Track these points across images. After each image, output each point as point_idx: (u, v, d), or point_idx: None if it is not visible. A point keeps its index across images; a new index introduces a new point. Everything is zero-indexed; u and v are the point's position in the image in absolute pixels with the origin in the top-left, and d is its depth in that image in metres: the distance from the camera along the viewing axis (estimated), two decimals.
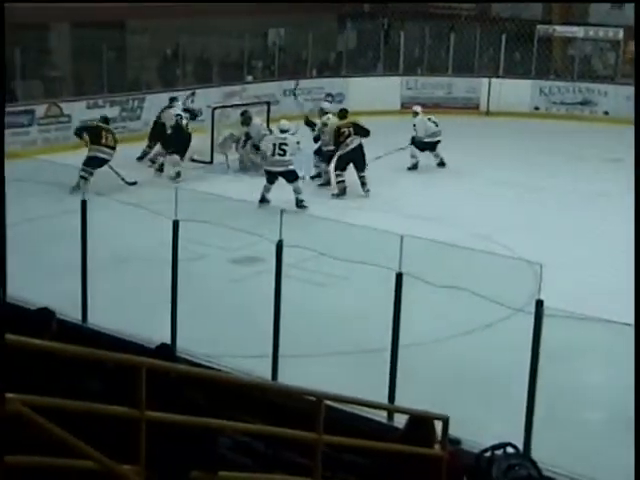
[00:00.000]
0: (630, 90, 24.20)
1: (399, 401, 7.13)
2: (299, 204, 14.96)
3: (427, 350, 9.90)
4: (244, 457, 5.57)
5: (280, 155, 15.26)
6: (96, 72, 20.29)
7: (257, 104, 19.62)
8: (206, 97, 20.53)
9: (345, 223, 10.53)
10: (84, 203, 8.97)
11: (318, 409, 4.96)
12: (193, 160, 17.83)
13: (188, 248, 9.13)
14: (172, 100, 18.20)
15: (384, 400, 7.16)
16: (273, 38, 25.64)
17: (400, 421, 6.12)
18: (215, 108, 18.80)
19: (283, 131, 15.66)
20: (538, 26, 26.17)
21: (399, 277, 7.21)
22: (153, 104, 20.10)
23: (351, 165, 16.06)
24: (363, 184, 15.99)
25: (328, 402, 5.18)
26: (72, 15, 20.43)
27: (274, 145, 15.38)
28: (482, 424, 7.68)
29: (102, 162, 15.50)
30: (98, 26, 21.00)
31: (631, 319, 6.03)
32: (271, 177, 15.29)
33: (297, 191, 15.18)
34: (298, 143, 15.67)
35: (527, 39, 25.86)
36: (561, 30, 26.43)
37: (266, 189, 15.17)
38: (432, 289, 8.09)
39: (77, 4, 19.86)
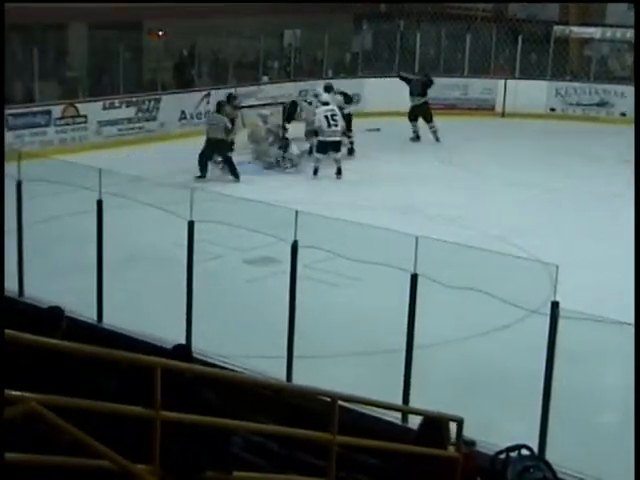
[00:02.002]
0: None
1: (413, 402, 7.14)
2: (339, 172, 17.08)
3: (441, 351, 9.89)
4: (258, 457, 5.58)
5: (334, 125, 17.12)
6: (113, 73, 20.38)
7: (273, 105, 19.64)
8: (221, 98, 20.54)
9: (360, 224, 10.51)
10: (100, 203, 9.01)
11: (332, 410, 4.97)
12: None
13: (203, 249, 9.15)
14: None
15: (398, 401, 7.17)
16: (289, 39, 25.64)
17: (414, 422, 6.12)
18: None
19: (325, 103, 17.47)
20: (555, 27, 26.07)
21: (414, 278, 7.21)
22: (169, 105, 20.20)
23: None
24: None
25: (342, 403, 5.19)
26: (89, 15, 20.49)
27: (326, 117, 17.05)
28: (497, 425, 7.69)
29: None
30: (115, 27, 21.09)
31: None
32: (325, 147, 17.10)
33: (339, 162, 17.14)
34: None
35: (543, 40, 25.77)
36: (578, 31, 26.32)
37: (318, 161, 17.14)
38: (447, 290, 8.08)
39: (94, 4, 19.90)
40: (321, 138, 17.18)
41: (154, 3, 21.04)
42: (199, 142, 17.74)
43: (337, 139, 17.28)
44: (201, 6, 21.51)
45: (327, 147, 17.12)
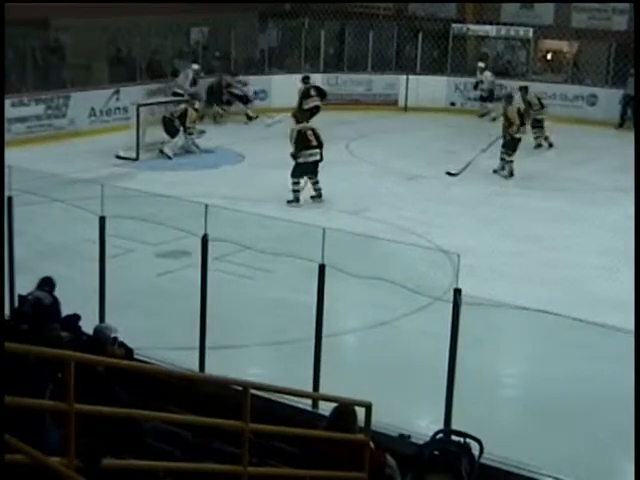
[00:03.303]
0: (540, 86, 24.85)
1: (323, 389, 7.28)
2: None
3: (350, 339, 10.11)
4: (172, 447, 5.65)
5: None
6: (20, 70, 20.09)
7: (182, 101, 19.76)
8: (131, 95, 20.53)
9: (269, 217, 10.65)
10: (10, 200, 8.95)
11: (244, 398, 5.05)
12: (119, 157, 18.00)
13: (115, 244, 9.18)
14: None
15: (309, 389, 7.31)
16: (196, 37, 25.67)
17: (325, 408, 6.26)
18: (140, 105, 18.90)
19: None
20: (453, 25, 26.60)
21: (322, 269, 7.36)
22: (78, 102, 20.04)
23: None
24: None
25: (254, 391, 5.28)
26: None
27: None
28: (405, 409, 7.89)
29: None
30: (21, 24, 20.73)
31: (537, 303, 6.26)
32: None
33: None
34: None
35: (442, 37, 26.29)
36: (474, 29, 26.90)
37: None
38: (355, 280, 8.26)
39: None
40: None
41: (60, 3, 20.76)
42: (109, 138, 17.74)
43: None
44: (108, 5, 21.35)
45: None
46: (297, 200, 15.24)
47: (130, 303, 10.02)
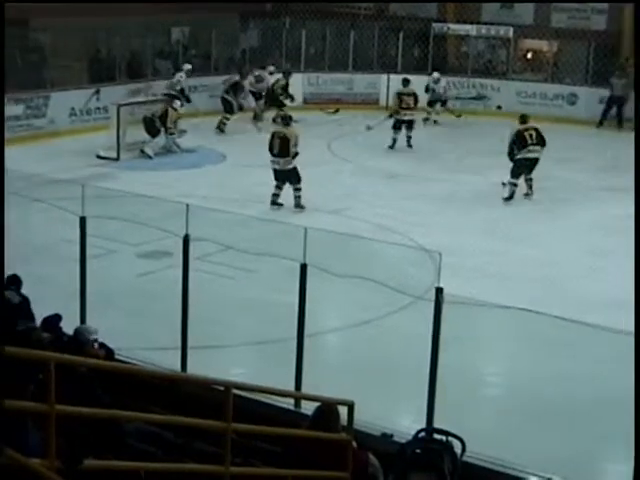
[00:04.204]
0: (521, 85, 24.96)
1: (306, 389, 7.28)
2: None
3: (332, 338, 10.11)
4: (154, 447, 5.63)
5: None
6: None
7: (163, 101, 19.75)
8: (111, 94, 20.48)
9: (250, 217, 10.66)
10: None
11: (226, 398, 5.04)
12: (99, 157, 17.98)
13: (96, 244, 9.15)
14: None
15: (291, 388, 7.31)
16: (176, 36, 25.64)
17: (307, 408, 6.26)
18: (121, 105, 18.85)
19: None
20: (433, 24, 26.66)
21: (303, 268, 7.35)
22: (58, 102, 19.99)
23: None
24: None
25: (236, 391, 5.27)
26: None
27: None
28: (387, 408, 7.90)
29: None
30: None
31: (519, 301, 6.26)
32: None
33: None
34: None
35: (423, 37, 26.36)
36: (455, 28, 26.97)
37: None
38: (337, 279, 8.26)
39: None
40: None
41: (40, 3, 20.68)
42: (89, 138, 17.71)
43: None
44: (87, 5, 21.30)
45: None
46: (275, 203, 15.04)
47: (111, 303, 9.99)
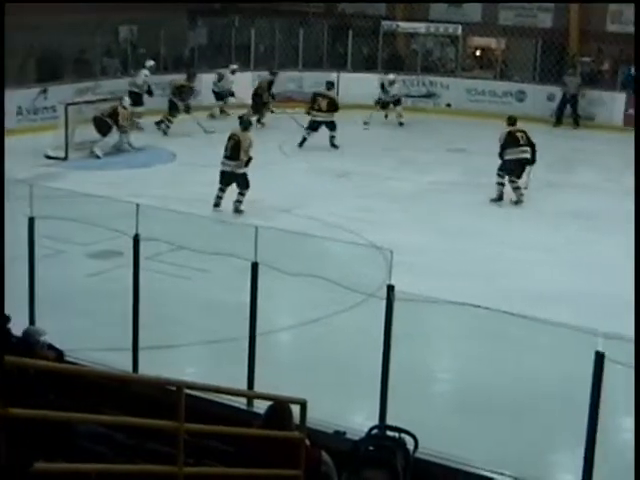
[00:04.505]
0: (470, 83, 25.16)
1: (258, 388, 7.28)
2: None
3: (284, 337, 10.12)
4: (106, 449, 5.60)
5: None
6: None
7: (111, 100, 19.63)
8: (58, 93, 20.29)
9: (201, 216, 10.63)
10: None
11: (179, 398, 5.02)
12: (47, 157, 17.83)
13: (45, 245, 9.08)
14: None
15: (244, 387, 7.31)
16: (125, 35, 25.47)
17: (260, 407, 6.26)
18: (69, 104, 18.72)
19: None
20: (382, 22, 26.76)
21: (255, 267, 7.36)
22: (5, 101, 19.73)
23: None
24: None
25: (188, 391, 5.26)
26: None
27: None
28: (340, 406, 7.93)
29: None
30: None
31: (470, 297, 6.31)
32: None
33: None
34: None
35: (373, 34, 26.45)
36: (404, 26, 27.11)
37: None
38: (289, 278, 8.27)
39: None
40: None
41: None
42: (37, 138, 17.57)
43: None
44: (35, 4, 21.09)
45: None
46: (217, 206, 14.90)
47: (61, 304, 9.91)
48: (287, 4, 28.07)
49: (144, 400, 6.28)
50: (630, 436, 8.43)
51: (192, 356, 9.62)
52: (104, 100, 20.02)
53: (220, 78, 23.37)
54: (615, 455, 7.44)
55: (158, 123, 21.31)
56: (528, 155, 15.96)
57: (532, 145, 16.00)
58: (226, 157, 14.79)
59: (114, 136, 18.90)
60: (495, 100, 24.88)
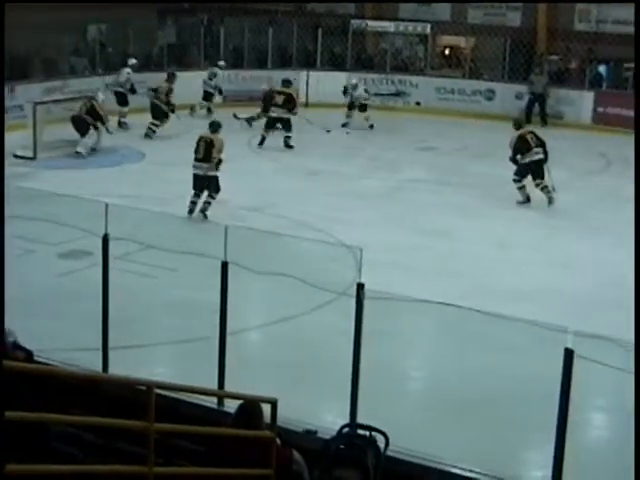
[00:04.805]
0: (439, 81, 25.26)
1: (229, 387, 7.27)
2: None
3: (254, 336, 10.11)
4: (75, 449, 5.57)
5: None
6: None
7: (80, 99, 19.52)
8: (26, 92, 20.16)
9: (171, 215, 10.61)
10: None
11: (149, 398, 5.01)
12: (16, 156, 17.70)
13: (14, 244, 9.02)
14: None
15: (215, 387, 7.29)
16: (93, 34, 25.35)
17: (230, 406, 6.25)
18: (37, 103, 18.60)
19: None
20: (352, 21, 26.80)
21: (224, 266, 7.34)
22: None
23: None
24: None
25: (159, 390, 5.24)
26: None
27: None
28: (311, 404, 7.93)
29: None
30: None
31: (441, 296, 6.32)
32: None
33: None
34: None
35: (342, 33, 26.49)
36: (373, 25, 27.16)
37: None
38: (259, 277, 8.26)
39: None
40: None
41: None
42: (5, 137, 17.40)
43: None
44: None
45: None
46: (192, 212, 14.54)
47: (31, 305, 9.83)
48: (256, 3, 28.05)
49: (114, 400, 6.25)
50: (600, 433, 8.58)
51: (162, 356, 9.59)
52: (72, 99, 19.91)
53: (212, 76, 23.29)
54: (585, 451, 7.51)
55: (147, 134, 20.89)
56: (542, 155, 16.00)
57: (543, 144, 16.07)
58: (198, 160, 14.48)
59: (93, 135, 18.80)
60: (464, 99, 25.00)
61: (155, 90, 21.24)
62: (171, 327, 10.02)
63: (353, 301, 6.95)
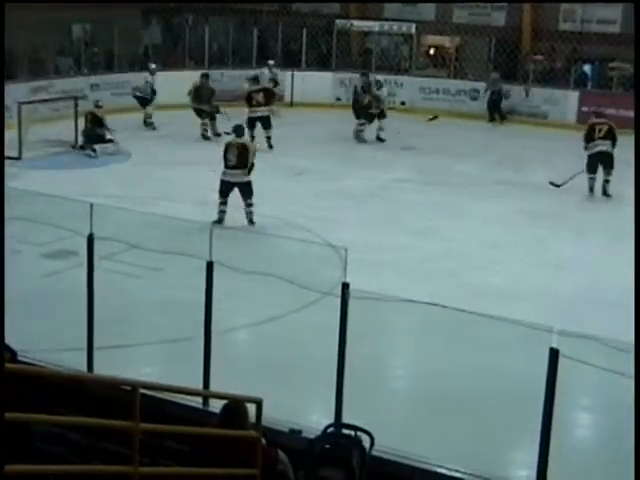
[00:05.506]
0: (424, 81, 25.31)
1: (214, 387, 7.27)
2: None
3: (239, 336, 10.10)
4: (60, 449, 5.56)
5: None
6: None
7: (65, 99, 19.50)
8: (12, 92, 20.05)
9: (156, 215, 10.60)
10: None
11: (134, 398, 5.00)
12: None
13: None
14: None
15: (200, 387, 7.29)
16: (78, 33, 25.29)
17: (216, 406, 6.24)
18: (22, 103, 18.56)
19: None
20: (337, 21, 26.82)
21: (210, 266, 7.33)
22: None
23: None
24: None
25: (144, 390, 5.23)
26: None
27: None
28: (296, 404, 7.94)
29: None
30: None
31: (426, 295, 6.32)
32: None
33: None
34: None
35: (327, 33, 26.51)
36: (358, 24, 27.19)
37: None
38: (244, 276, 8.26)
39: None
40: None
41: None
42: None
43: None
44: None
45: None
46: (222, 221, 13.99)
47: (16, 305, 9.77)
48: (241, 3, 28.05)
49: (99, 400, 6.24)
50: (585, 432, 8.61)
51: (147, 355, 9.57)
52: (58, 99, 19.88)
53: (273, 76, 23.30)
54: (570, 451, 7.53)
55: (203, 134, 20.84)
56: (604, 148, 16.07)
57: (613, 138, 16.12)
58: (231, 167, 14.03)
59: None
60: (449, 98, 25.06)
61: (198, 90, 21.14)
62: (157, 327, 10.01)
63: (338, 301, 6.95)
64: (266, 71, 23.50)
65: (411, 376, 9.67)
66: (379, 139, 20.99)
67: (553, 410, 6.12)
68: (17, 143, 17.93)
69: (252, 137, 19.47)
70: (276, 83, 23.34)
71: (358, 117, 21.16)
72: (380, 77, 22.59)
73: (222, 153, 14.11)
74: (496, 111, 23.95)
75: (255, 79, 20.81)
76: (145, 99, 22.00)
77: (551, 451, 6.16)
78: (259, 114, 19.86)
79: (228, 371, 7.78)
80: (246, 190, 14.01)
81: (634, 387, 5.53)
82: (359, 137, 20.99)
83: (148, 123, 21.86)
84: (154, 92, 22.06)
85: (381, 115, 21.07)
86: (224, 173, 14.08)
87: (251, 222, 13.96)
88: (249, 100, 20.02)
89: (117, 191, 15.03)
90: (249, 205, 14.00)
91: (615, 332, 6.53)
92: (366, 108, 21.04)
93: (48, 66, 23.41)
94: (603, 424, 8.53)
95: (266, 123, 19.78)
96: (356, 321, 6.99)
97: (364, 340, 8.07)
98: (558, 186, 16.67)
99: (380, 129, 20.88)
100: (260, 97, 19.98)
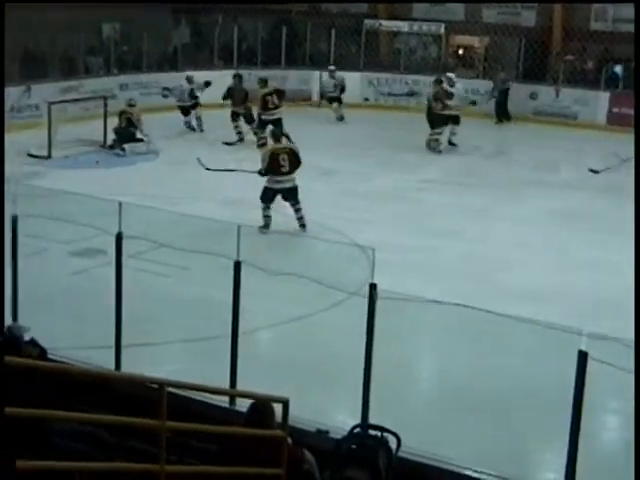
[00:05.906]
0: None
1: (241, 386, 7.28)
2: None
3: (266, 336, 10.11)
4: (88, 447, 5.59)
5: None
6: None
7: (95, 99, 19.62)
8: (42, 92, 20.23)
9: (184, 214, 10.62)
10: None
11: (161, 396, 5.02)
12: (30, 155, 17.79)
13: (28, 243, 9.04)
14: None
15: (226, 386, 7.30)
16: (108, 33, 25.42)
17: (242, 405, 6.25)
18: (52, 103, 18.67)
19: None
20: (365, 21, 26.80)
21: (237, 265, 7.35)
22: None
23: None
24: None
25: (171, 389, 5.25)
26: None
27: None
28: (323, 404, 7.94)
29: None
30: None
31: (453, 296, 6.29)
32: None
33: None
34: None
35: (355, 33, 26.49)
36: (387, 24, 27.15)
37: None
38: (272, 277, 8.27)
39: None
40: None
41: None
42: (20, 136, 17.53)
43: None
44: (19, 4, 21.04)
45: None
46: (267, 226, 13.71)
47: (44, 303, 9.87)
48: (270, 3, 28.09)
49: (126, 398, 6.27)
50: (613, 435, 8.54)
51: (174, 354, 9.60)
52: (88, 99, 20.01)
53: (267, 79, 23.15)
54: (598, 454, 7.48)
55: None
56: None
57: None
58: (285, 173, 13.84)
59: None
60: (477, 99, 24.94)
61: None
62: (183, 326, 10.04)
63: (365, 301, 6.94)
64: (325, 76, 23.41)
65: (437, 377, 9.64)
66: (451, 144, 20.53)
67: (582, 413, 6.08)
68: (47, 142, 18.05)
69: (263, 138, 19.47)
70: (343, 89, 23.29)
71: (433, 127, 20.46)
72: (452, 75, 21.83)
73: (267, 161, 13.84)
74: (501, 111, 23.81)
75: (265, 81, 20.64)
76: (187, 109, 21.87)
77: (579, 454, 6.12)
78: (276, 116, 19.73)
79: (254, 370, 7.80)
80: (295, 194, 13.87)
81: (634, 387, 5.51)
82: (433, 147, 20.27)
83: (198, 124, 21.74)
84: (195, 97, 21.87)
85: (455, 120, 20.53)
86: (274, 181, 13.84)
87: (303, 227, 13.73)
88: (265, 103, 19.90)
89: (146, 190, 15.07)
90: (298, 210, 13.81)
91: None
92: (440, 116, 20.32)
93: (78, 66, 23.53)
94: (631, 428, 8.46)
95: (279, 125, 19.72)
96: (382, 321, 6.98)
97: (390, 341, 8.06)
98: (597, 172, 16.54)
99: (452, 133, 20.49)
100: (275, 99, 19.91)
